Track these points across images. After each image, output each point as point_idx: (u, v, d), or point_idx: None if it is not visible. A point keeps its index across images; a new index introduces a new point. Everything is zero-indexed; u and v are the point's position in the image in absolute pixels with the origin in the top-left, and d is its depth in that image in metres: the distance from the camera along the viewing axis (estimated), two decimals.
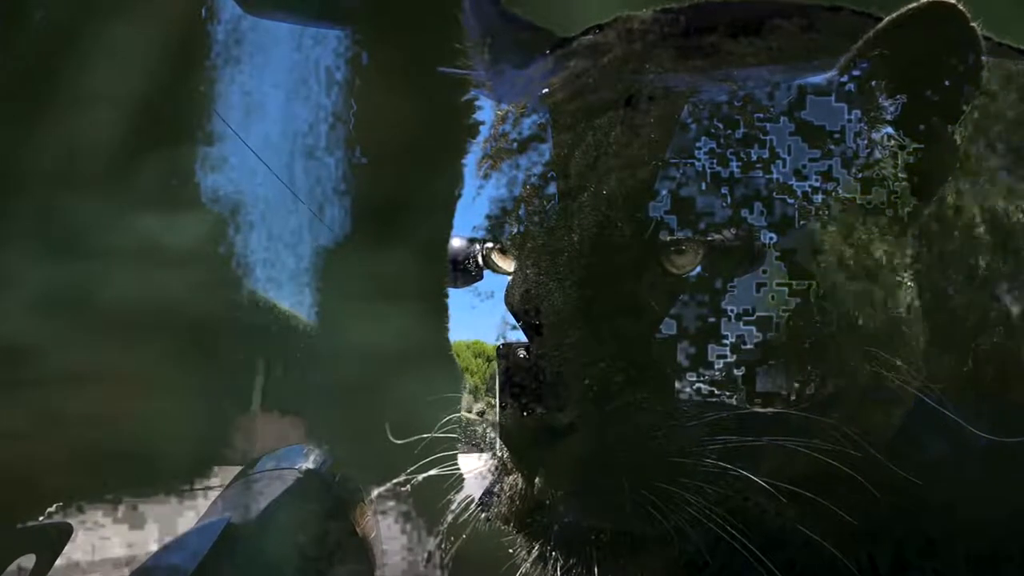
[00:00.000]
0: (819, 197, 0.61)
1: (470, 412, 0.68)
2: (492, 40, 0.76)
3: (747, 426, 0.60)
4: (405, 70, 1.04)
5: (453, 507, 0.69)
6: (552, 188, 0.63)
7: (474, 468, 0.65)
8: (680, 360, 0.60)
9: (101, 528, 0.99)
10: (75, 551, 0.99)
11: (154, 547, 1.03)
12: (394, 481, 0.73)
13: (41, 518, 0.97)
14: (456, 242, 0.72)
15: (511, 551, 0.68)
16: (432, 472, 0.69)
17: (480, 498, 0.65)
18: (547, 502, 0.61)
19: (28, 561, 0.93)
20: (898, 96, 0.62)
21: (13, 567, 0.92)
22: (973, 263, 0.67)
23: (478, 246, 0.70)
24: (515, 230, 0.65)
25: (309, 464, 1.11)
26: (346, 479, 1.07)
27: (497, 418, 0.61)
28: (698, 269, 0.61)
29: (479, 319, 0.69)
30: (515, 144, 0.67)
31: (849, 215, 0.62)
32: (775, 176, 0.61)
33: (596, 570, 0.61)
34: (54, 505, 0.97)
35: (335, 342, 1.13)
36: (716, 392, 0.60)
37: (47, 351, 0.95)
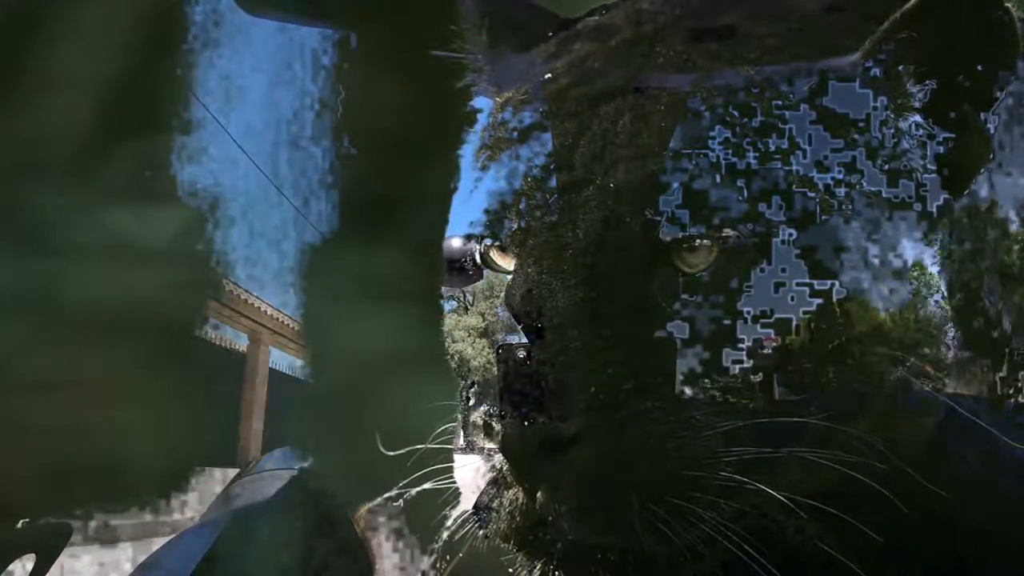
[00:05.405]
0: (842, 190, 0.62)
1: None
2: (490, 21, 0.76)
3: (765, 436, 0.60)
4: (397, 54, 1.04)
5: (449, 523, 0.69)
6: (555, 181, 0.64)
7: (470, 472, 0.66)
8: (693, 365, 0.61)
9: (71, 546, 0.99)
10: None
11: (128, 567, 1.03)
12: (386, 495, 0.73)
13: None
14: (452, 239, 0.72)
15: (511, 570, 0.68)
16: (426, 486, 0.70)
17: (478, 513, 0.65)
18: (550, 518, 0.62)
19: (28, 561, 0.94)
20: (927, 82, 0.63)
21: (13, 567, 0.93)
22: (1007, 261, 0.67)
23: (476, 243, 0.70)
24: (515, 226, 0.65)
25: (307, 465, 1.12)
26: (335, 493, 1.07)
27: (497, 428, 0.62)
28: (712, 268, 0.61)
29: None
30: (515, 133, 0.67)
31: (874, 210, 0.62)
32: (795, 168, 0.61)
33: None
34: (20, 522, 0.97)
35: (322, 346, 1.13)
36: (732, 400, 0.60)
37: (9, 356, 0.96)
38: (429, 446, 0.71)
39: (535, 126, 0.66)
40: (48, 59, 0.99)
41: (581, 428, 0.59)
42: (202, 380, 1.12)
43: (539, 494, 0.61)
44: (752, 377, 0.61)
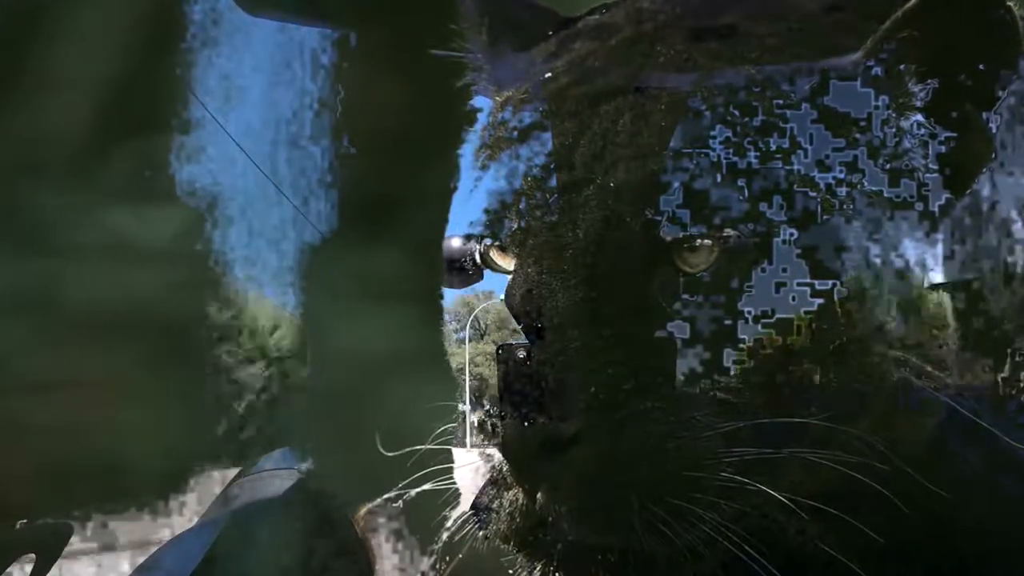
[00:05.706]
0: (843, 190, 0.62)
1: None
2: (490, 21, 0.76)
3: (766, 437, 0.60)
4: (397, 54, 1.05)
5: (449, 524, 0.69)
6: (555, 180, 0.64)
7: (469, 470, 0.66)
8: (693, 365, 0.61)
9: (68, 547, 0.99)
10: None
11: (127, 568, 1.03)
12: (385, 496, 0.73)
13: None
14: (452, 239, 0.72)
15: (511, 571, 0.68)
16: (426, 487, 0.70)
17: (478, 514, 0.65)
18: (550, 519, 0.62)
19: (28, 562, 0.95)
20: (929, 81, 0.63)
21: (13, 567, 0.94)
22: (1010, 261, 0.67)
23: (476, 243, 0.70)
24: (515, 226, 0.65)
25: (307, 465, 1.12)
26: (335, 493, 1.08)
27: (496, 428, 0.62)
28: (712, 268, 0.61)
29: None
30: (515, 133, 0.67)
31: (876, 209, 0.62)
32: (796, 167, 0.61)
33: None
34: (19, 522, 0.97)
35: (322, 346, 1.13)
36: (732, 400, 0.60)
37: (9, 356, 0.96)
38: (429, 446, 0.71)
39: (535, 125, 0.67)
40: (48, 59, 0.99)
41: (581, 428, 0.59)
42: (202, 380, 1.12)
43: (539, 494, 0.61)
44: (753, 378, 0.61)
